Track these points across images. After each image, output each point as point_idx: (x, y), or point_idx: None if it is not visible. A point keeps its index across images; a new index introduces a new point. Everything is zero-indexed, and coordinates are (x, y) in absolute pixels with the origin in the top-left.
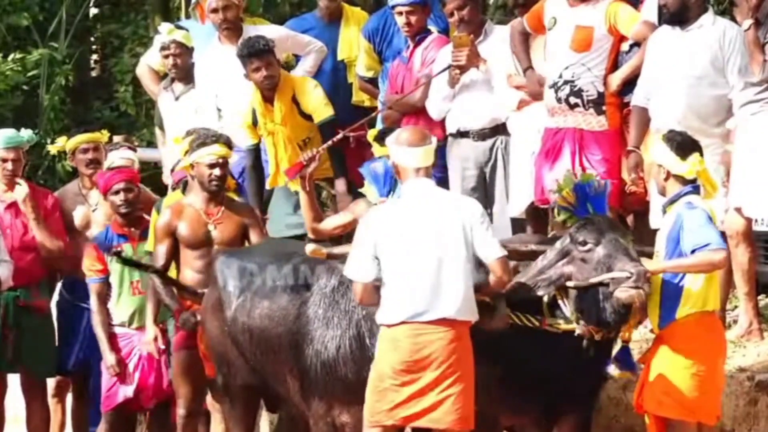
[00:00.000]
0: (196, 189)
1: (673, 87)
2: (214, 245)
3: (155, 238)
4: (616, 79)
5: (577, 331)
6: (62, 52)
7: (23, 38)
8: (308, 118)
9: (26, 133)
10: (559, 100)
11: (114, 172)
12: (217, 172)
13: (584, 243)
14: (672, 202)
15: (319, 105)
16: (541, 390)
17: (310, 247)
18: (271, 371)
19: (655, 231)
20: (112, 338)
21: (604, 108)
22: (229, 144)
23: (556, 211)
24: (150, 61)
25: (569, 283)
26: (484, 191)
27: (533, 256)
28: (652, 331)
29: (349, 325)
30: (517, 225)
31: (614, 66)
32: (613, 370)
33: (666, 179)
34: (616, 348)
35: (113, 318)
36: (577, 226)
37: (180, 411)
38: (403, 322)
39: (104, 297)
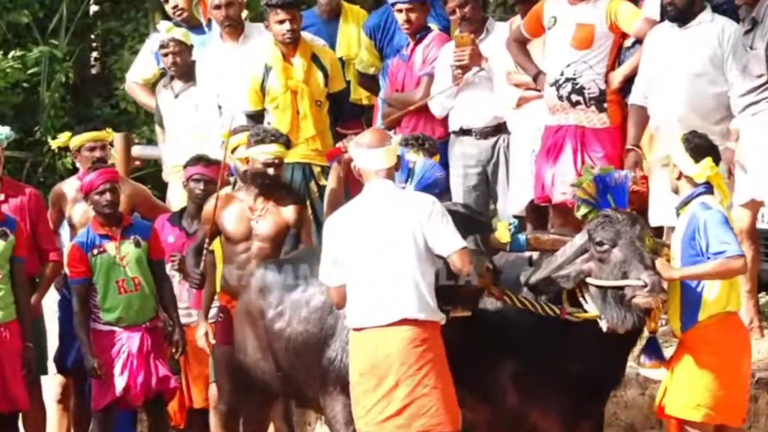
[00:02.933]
0: (247, 183)
1: (672, 85)
2: (254, 240)
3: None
4: (618, 76)
5: (603, 327)
6: (62, 50)
7: (23, 35)
8: (325, 78)
9: (4, 131)
10: (560, 97)
11: (99, 173)
12: (271, 171)
13: (601, 243)
14: (685, 203)
15: (338, 69)
16: (571, 386)
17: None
18: (304, 377)
19: (655, 228)
20: (98, 338)
21: (605, 105)
22: (287, 145)
23: (577, 205)
24: (134, 78)
25: (589, 280)
26: (486, 189)
27: (554, 244)
28: (674, 335)
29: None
30: (518, 223)
31: (615, 63)
32: (643, 361)
33: (678, 178)
34: (643, 341)
35: (101, 318)
36: (594, 224)
37: (221, 407)
38: (364, 327)
39: (86, 298)
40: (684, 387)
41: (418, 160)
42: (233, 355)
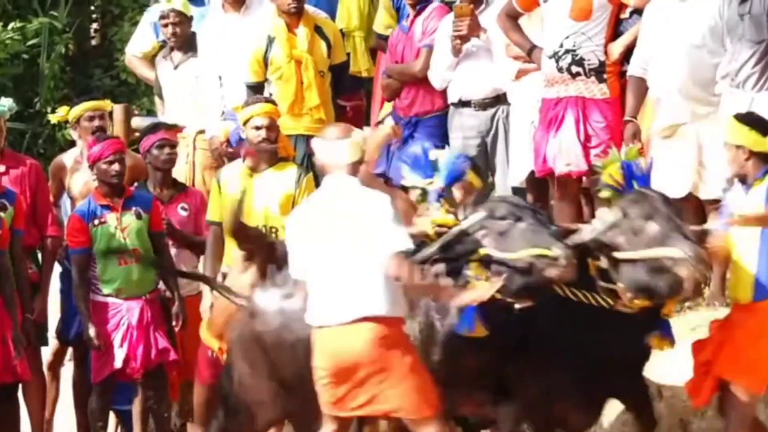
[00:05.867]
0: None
1: (672, 56)
2: None
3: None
4: (618, 47)
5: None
6: (62, 21)
7: (23, 7)
8: (328, 49)
9: (7, 102)
10: (560, 69)
11: (109, 142)
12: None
13: (636, 217)
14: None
15: (340, 41)
16: (593, 370)
17: None
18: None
19: None
20: (97, 310)
21: (605, 76)
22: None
23: (600, 189)
24: (133, 51)
25: (621, 254)
26: (485, 161)
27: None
28: (729, 304)
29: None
30: (518, 194)
31: (614, 34)
32: (652, 340)
33: (747, 159)
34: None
35: (100, 289)
36: (628, 199)
37: None
38: (326, 325)
39: (85, 269)
40: (751, 355)
41: (441, 153)
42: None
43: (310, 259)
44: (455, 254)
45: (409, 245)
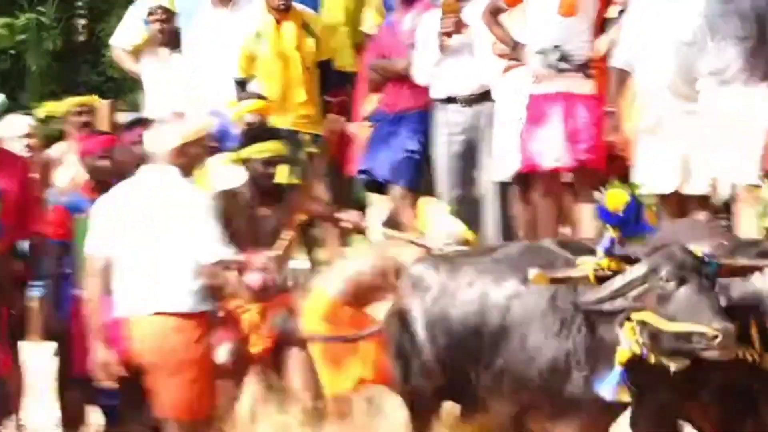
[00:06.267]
0: None
1: (661, 52)
2: None
3: None
4: (605, 43)
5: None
6: (50, 17)
7: (11, 2)
8: (315, 45)
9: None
10: (548, 65)
11: (100, 138)
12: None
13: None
14: None
15: (327, 36)
16: None
17: (533, 272)
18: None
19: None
20: (79, 304)
21: (592, 72)
22: None
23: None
24: (120, 44)
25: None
26: (470, 157)
27: (740, 272)
28: None
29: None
30: (504, 190)
31: (601, 30)
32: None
33: None
34: None
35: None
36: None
37: None
38: (130, 315)
39: (60, 260)
40: None
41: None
42: None
43: (121, 250)
44: (611, 309)
45: (224, 254)
